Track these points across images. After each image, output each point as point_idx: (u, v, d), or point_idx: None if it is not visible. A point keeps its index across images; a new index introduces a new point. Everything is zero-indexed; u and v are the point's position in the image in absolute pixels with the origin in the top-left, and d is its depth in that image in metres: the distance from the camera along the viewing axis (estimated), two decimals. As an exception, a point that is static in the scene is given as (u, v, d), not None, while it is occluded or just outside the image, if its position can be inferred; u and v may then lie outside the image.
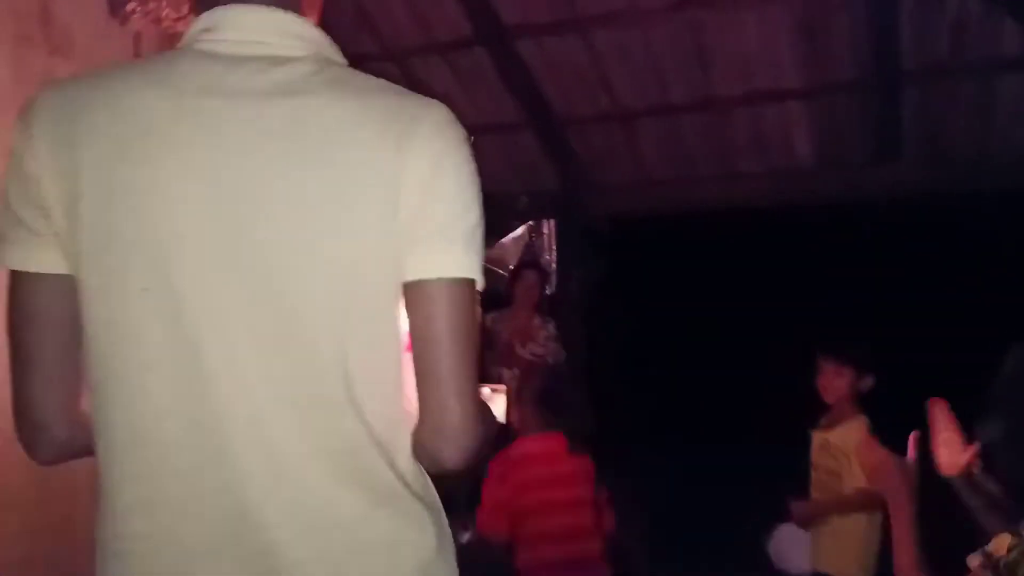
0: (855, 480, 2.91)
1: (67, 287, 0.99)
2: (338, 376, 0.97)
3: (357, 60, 1.09)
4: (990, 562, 1.49)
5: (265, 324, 0.95)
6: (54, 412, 1.02)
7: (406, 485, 1.02)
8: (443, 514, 1.07)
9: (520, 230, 5.52)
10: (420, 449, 1.03)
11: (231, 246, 0.95)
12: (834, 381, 3.12)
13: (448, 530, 1.07)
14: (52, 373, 1.01)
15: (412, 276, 0.99)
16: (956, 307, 4.60)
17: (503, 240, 5.50)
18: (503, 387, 1.65)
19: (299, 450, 0.96)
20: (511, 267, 5.22)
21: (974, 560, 1.52)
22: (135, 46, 2.64)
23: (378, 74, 1.07)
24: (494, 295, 5.02)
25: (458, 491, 3.68)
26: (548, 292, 5.45)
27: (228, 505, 0.96)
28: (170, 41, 2.67)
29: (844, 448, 3.02)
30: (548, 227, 5.50)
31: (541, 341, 4.77)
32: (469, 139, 1.04)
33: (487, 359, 4.79)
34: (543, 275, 5.02)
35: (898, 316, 4.96)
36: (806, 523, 3.15)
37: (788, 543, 3.24)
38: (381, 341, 1.01)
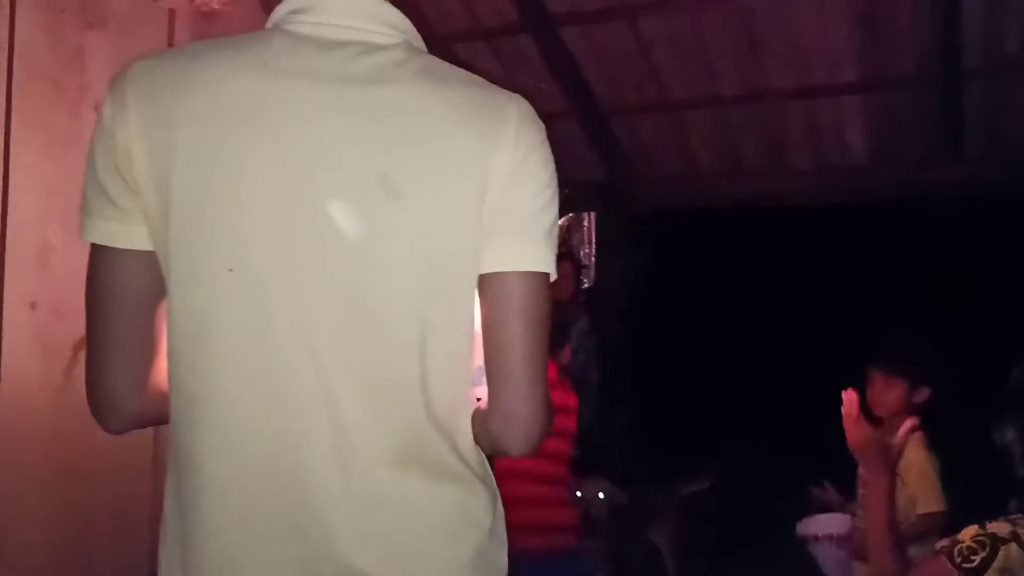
0: (907, 502, 2.74)
1: (150, 264, 1.00)
2: (413, 362, 0.99)
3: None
4: (953, 546, 1.62)
5: (344, 311, 0.97)
6: (127, 385, 1.03)
7: (468, 466, 1.05)
8: (499, 497, 1.10)
9: (561, 221, 5.39)
10: (487, 436, 1.06)
11: (313, 232, 0.96)
12: (885, 394, 2.88)
13: (502, 512, 1.09)
14: (129, 348, 1.02)
15: (492, 268, 1.02)
16: (1018, 313, 4.40)
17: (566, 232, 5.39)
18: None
19: (368, 432, 0.98)
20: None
21: (942, 543, 1.65)
22: (169, 24, 2.59)
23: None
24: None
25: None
26: (587, 285, 5.35)
27: (297, 486, 0.97)
28: (205, 20, 2.62)
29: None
30: (589, 219, 5.37)
31: (575, 336, 4.67)
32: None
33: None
34: (577, 267, 4.90)
35: (955, 322, 4.77)
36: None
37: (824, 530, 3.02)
38: (455, 330, 1.03)
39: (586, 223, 5.39)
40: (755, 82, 4.49)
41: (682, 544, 3.75)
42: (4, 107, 2.16)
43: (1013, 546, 1.59)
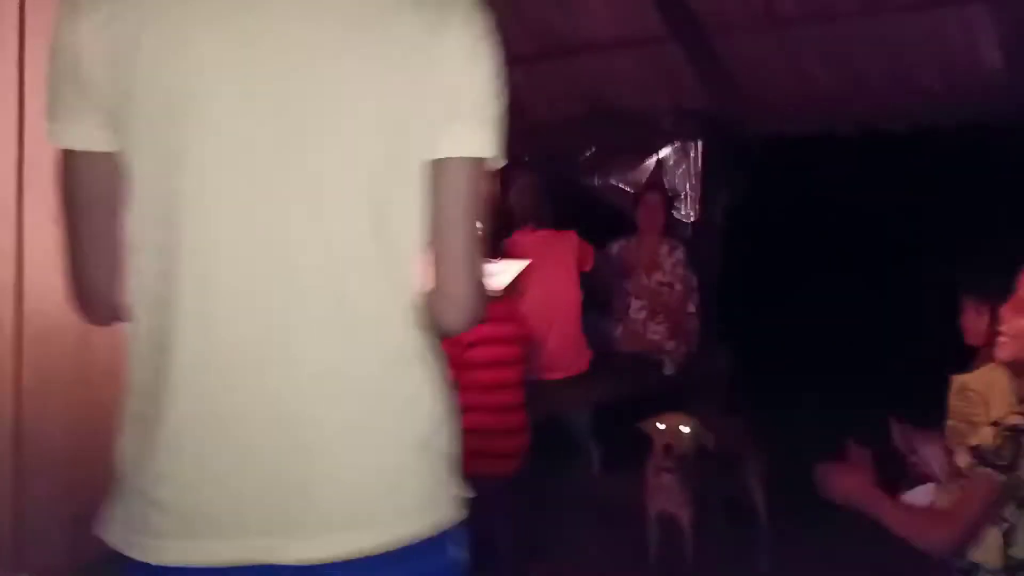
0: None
1: (114, 164, 1.04)
2: (368, 240, 1.04)
3: None
4: (977, 453, 1.63)
5: (307, 188, 1.02)
6: (103, 278, 1.08)
7: (421, 352, 1.09)
8: (448, 384, 1.14)
9: (665, 151, 5.15)
10: (430, 313, 1.11)
11: (272, 111, 1.01)
12: (976, 322, 2.72)
13: (453, 401, 1.14)
14: (102, 244, 1.07)
15: (443, 154, 1.06)
16: None
17: (647, 162, 5.17)
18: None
19: (328, 313, 1.03)
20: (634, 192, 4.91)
21: (962, 459, 1.68)
22: None
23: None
24: (630, 220, 4.76)
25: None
26: (692, 219, 5.11)
27: (262, 359, 1.03)
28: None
29: (983, 393, 2.61)
30: (695, 149, 5.10)
31: (668, 268, 4.47)
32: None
33: (616, 287, 4.57)
34: (667, 198, 4.68)
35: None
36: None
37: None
38: (409, 210, 1.07)
39: (692, 153, 5.11)
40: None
41: (770, 490, 3.54)
42: (16, 85, 2.24)
43: None
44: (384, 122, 1.03)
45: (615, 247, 4.58)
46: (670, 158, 5.16)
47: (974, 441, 1.68)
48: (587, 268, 3.86)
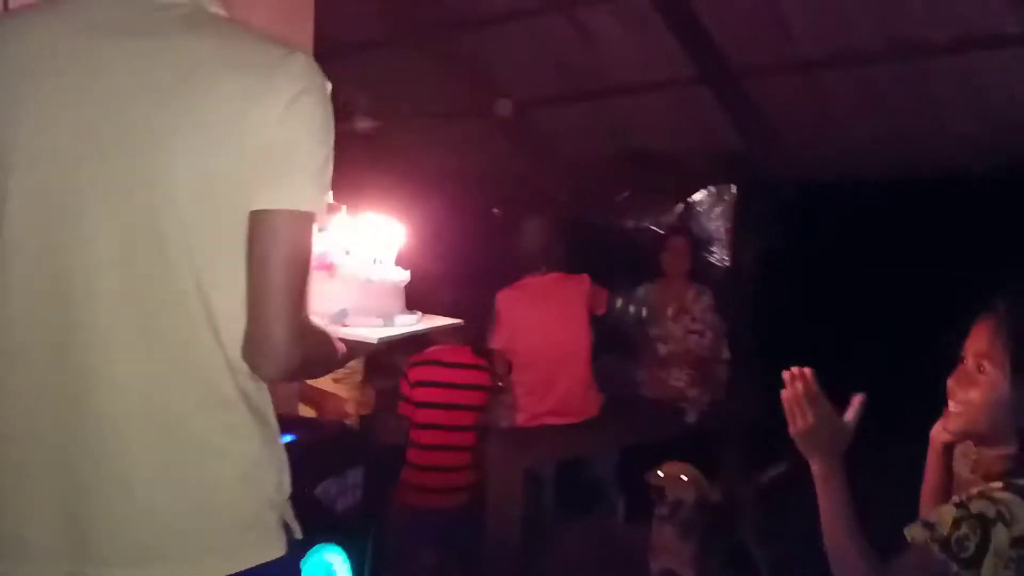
0: None
1: None
2: (192, 295, 1.09)
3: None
4: (936, 537, 1.40)
5: (121, 240, 1.08)
6: None
7: (240, 393, 1.14)
8: (273, 426, 1.20)
9: (699, 195, 5.10)
10: (245, 358, 1.13)
11: (92, 162, 1.08)
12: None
13: (275, 436, 1.19)
14: None
15: (260, 205, 1.10)
16: None
17: (679, 205, 5.12)
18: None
19: (141, 355, 1.09)
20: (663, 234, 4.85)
21: (917, 534, 1.42)
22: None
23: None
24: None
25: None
26: (727, 264, 5.03)
27: (68, 392, 1.09)
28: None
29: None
30: (728, 193, 5.04)
31: (696, 314, 4.38)
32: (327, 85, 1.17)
33: (641, 332, 4.50)
34: (693, 242, 4.60)
35: None
36: None
37: None
38: (231, 263, 1.11)
39: (726, 197, 5.04)
40: (900, 36, 3.99)
41: (770, 543, 3.41)
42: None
43: (1000, 526, 1.38)
44: (199, 175, 1.08)
45: (641, 290, 4.52)
46: (703, 202, 5.11)
47: (932, 518, 1.43)
48: (600, 312, 3.80)
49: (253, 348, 1.12)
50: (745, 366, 4.67)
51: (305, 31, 2.75)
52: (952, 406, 1.60)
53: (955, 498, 1.47)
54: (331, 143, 1.16)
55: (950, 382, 1.60)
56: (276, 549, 1.16)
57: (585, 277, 3.77)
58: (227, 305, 1.11)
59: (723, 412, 4.41)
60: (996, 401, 1.52)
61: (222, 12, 1.20)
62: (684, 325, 4.41)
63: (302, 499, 1.99)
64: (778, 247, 4.94)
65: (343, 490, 2.02)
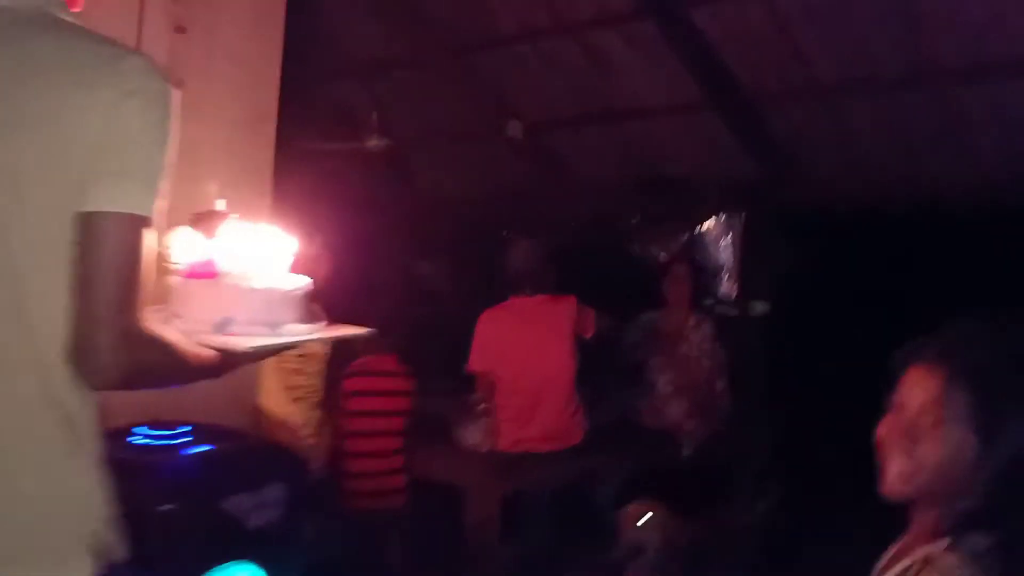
0: None
1: None
2: (10, 296, 1.07)
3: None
4: None
5: None
6: None
7: (59, 402, 1.10)
8: (91, 438, 1.15)
9: (709, 222, 4.97)
10: (71, 364, 1.09)
11: None
12: None
13: (91, 453, 1.14)
14: None
15: (88, 207, 1.07)
16: None
17: (686, 233, 5.00)
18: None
19: None
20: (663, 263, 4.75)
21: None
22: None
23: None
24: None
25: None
26: (735, 294, 4.89)
27: None
28: None
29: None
30: (739, 220, 4.91)
31: (695, 342, 4.26)
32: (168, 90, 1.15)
33: (643, 360, 4.38)
34: (695, 270, 4.48)
35: None
36: None
37: None
38: (52, 266, 1.08)
39: (736, 225, 4.91)
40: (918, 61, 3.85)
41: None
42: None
43: None
44: (22, 173, 1.07)
45: (644, 318, 4.41)
46: (712, 230, 5.00)
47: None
48: (588, 334, 3.69)
49: (77, 355, 1.08)
50: (751, 397, 4.52)
51: (273, 40, 2.75)
52: (901, 463, 1.37)
53: (903, 564, 1.32)
54: (166, 147, 1.13)
55: (884, 433, 1.38)
56: (98, 559, 1.12)
57: (572, 298, 3.67)
58: (46, 307, 1.08)
59: (720, 444, 4.26)
60: (955, 457, 1.32)
61: (68, 17, 1.19)
62: (682, 352, 4.29)
63: (208, 512, 1.94)
64: (788, 277, 4.78)
65: (259, 505, 1.96)
